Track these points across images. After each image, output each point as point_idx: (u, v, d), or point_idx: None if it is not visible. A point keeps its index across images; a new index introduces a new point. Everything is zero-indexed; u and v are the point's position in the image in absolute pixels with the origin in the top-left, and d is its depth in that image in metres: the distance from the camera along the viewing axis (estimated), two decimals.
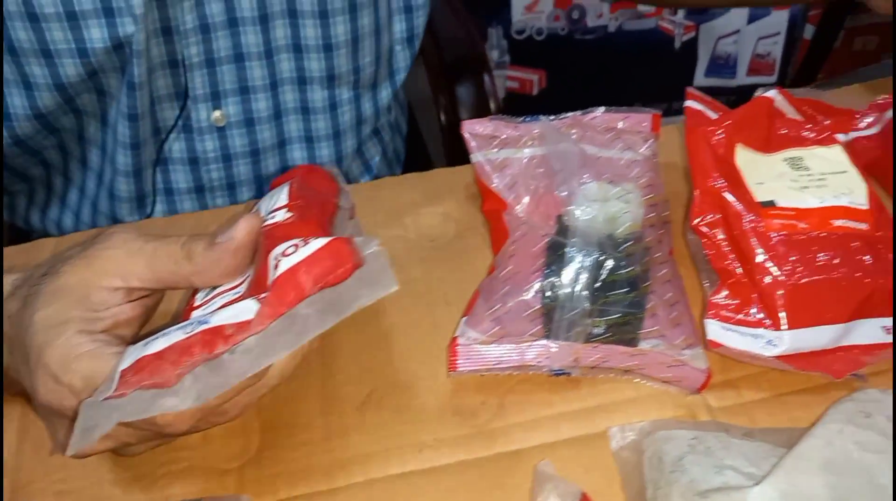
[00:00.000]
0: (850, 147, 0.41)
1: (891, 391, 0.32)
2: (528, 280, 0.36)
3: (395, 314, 0.41)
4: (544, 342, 0.35)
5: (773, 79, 1.41)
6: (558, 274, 0.36)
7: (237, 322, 0.29)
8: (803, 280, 0.35)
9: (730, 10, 1.33)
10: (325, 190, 0.38)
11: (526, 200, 0.40)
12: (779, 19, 1.35)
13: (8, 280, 0.34)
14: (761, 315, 0.35)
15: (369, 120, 0.62)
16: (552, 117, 0.43)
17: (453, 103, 0.85)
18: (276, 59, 0.54)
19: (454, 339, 0.36)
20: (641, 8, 1.34)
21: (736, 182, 0.38)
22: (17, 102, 0.51)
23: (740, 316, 0.35)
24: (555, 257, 0.36)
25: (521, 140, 0.42)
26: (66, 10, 0.46)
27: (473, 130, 0.42)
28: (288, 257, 0.30)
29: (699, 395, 0.36)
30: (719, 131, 0.39)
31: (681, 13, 1.34)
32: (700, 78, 1.40)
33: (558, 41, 1.36)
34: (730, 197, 0.37)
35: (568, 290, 0.35)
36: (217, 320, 0.30)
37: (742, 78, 1.40)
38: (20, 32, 0.47)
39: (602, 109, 0.43)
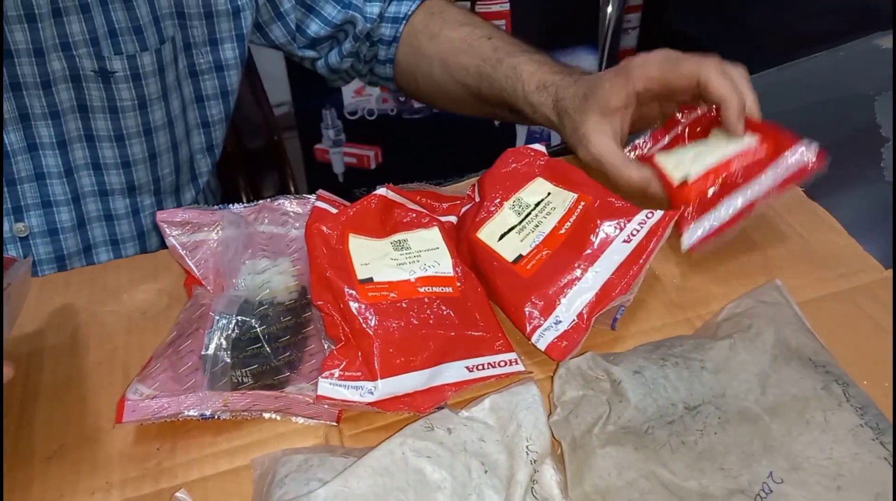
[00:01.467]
0: (448, 226, 0.52)
1: (453, 410, 0.42)
2: (187, 343, 0.44)
3: (94, 376, 0.48)
4: (197, 393, 0.43)
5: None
6: (210, 336, 0.44)
7: None
8: (392, 338, 0.44)
9: None
10: None
11: (210, 275, 0.49)
12: None
13: None
14: (361, 372, 0.43)
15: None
16: (242, 205, 0.52)
17: (255, 186, 0.94)
18: (76, 177, 0.61)
19: (123, 395, 0.43)
20: None
21: (344, 265, 0.47)
22: None
23: (347, 372, 0.43)
24: (209, 321, 0.44)
25: (214, 225, 0.50)
26: None
27: (167, 218, 0.50)
28: None
29: (336, 426, 0.45)
30: (334, 225, 0.48)
31: None
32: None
33: (389, 120, 1.49)
34: (335, 279, 0.45)
35: (213, 348, 0.43)
36: None
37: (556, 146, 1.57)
38: None
39: (283, 197, 0.52)
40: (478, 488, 0.38)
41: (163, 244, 0.71)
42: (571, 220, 0.49)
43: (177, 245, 0.49)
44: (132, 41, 0.59)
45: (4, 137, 0.57)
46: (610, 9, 1.53)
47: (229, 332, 0.44)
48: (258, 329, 0.44)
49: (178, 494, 0.40)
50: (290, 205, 0.52)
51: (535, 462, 0.39)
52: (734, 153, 0.51)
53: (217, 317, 0.44)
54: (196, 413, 0.43)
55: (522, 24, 1.43)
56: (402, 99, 1.49)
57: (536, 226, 0.50)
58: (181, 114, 0.65)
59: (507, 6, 1.42)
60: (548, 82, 0.59)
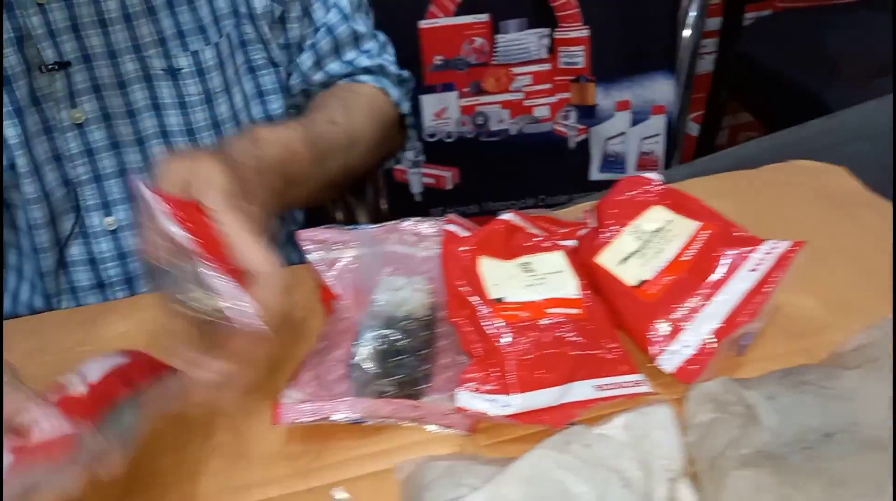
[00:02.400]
0: (572, 251, 0.54)
1: (586, 427, 0.44)
2: (335, 353, 0.47)
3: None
4: (346, 399, 0.46)
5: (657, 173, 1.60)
6: (356, 347, 0.47)
7: None
8: (526, 356, 0.46)
9: (615, 115, 1.53)
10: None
11: (348, 290, 0.52)
12: (658, 123, 1.55)
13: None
14: (497, 386, 0.46)
15: None
16: (374, 226, 0.55)
17: (348, 206, 0.99)
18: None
19: (277, 399, 0.47)
20: (537, 113, 1.53)
21: (477, 286, 0.50)
22: None
23: (484, 386, 0.46)
24: (357, 333, 0.48)
25: (348, 244, 0.54)
26: None
27: (309, 236, 0.54)
28: None
29: (471, 435, 0.47)
30: (467, 247, 0.52)
31: (572, 117, 1.53)
32: (595, 173, 1.58)
33: (467, 143, 1.54)
34: (471, 298, 0.49)
35: (362, 358, 0.47)
36: None
37: (631, 172, 1.58)
38: None
39: (412, 219, 0.55)
40: None
41: None
42: (694, 247, 0.51)
43: (317, 262, 0.53)
44: (196, 39, 0.64)
45: (90, 135, 0.63)
46: (687, 33, 1.54)
47: (375, 344, 0.47)
48: (401, 342, 0.47)
49: (335, 492, 0.43)
50: (418, 227, 0.55)
51: (671, 480, 0.41)
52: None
53: (363, 330, 0.47)
54: (344, 418, 0.46)
55: (601, 50, 1.46)
56: (479, 122, 1.53)
57: (658, 252, 0.52)
58: (244, 108, 0.69)
59: (585, 33, 1.45)
60: None
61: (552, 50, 1.46)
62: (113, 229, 0.67)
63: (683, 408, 0.45)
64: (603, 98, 1.50)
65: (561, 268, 0.52)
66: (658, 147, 1.57)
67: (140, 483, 0.46)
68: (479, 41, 1.45)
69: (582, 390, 0.47)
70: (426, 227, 0.55)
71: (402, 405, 0.46)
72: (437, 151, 1.54)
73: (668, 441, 0.42)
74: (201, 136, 0.66)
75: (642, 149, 1.57)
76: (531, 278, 0.51)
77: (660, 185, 0.57)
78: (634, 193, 0.57)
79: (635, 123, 1.54)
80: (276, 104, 0.72)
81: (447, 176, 1.57)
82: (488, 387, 0.46)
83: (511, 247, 0.54)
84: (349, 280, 0.52)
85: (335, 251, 0.53)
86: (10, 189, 0.62)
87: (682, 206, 0.55)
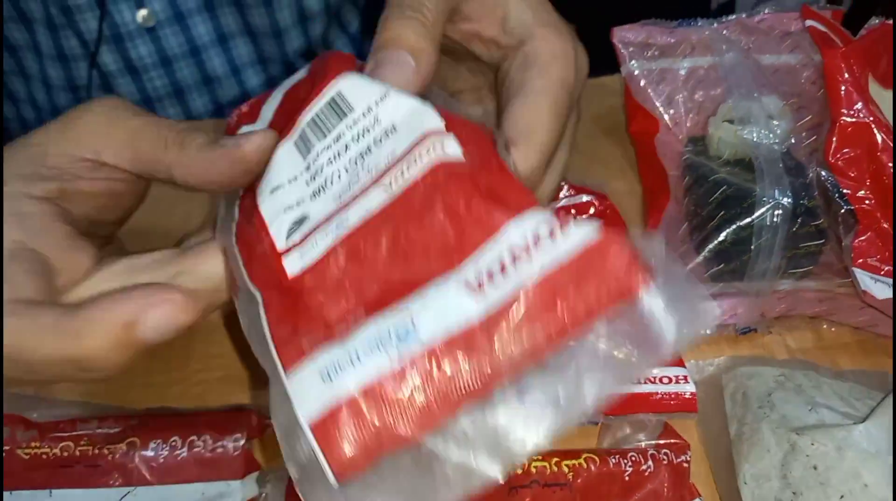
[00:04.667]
0: None
1: None
2: (708, 222, 0.32)
3: None
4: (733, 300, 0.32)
5: None
6: (744, 217, 0.31)
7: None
8: None
9: None
10: None
11: (684, 120, 0.37)
12: None
13: None
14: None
15: (317, 16, 0.54)
16: (711, 21, 0.38)
17: None
18: None
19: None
20: None
21: (876, 118, 0.33)
22: None
23: (886, 267, 0.31)
24: (736, 193, 0.32)
25: (678, 48, 0.37)
26: None
27: (625, 37, 0.37)
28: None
29: (777, 335, 0.34)
30: (852, 60, 0.34)
31: None
32: None
33: None
34: (878, 133, 0.33)
35: (762, 240, 0.31)
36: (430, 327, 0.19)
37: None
38: None
39: (767, 9, 0.37)
40: None
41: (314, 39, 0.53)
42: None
43: (638, 75, 0.37)
44: None
45: None
46: None
47: (781, 220, 0.31)
48: (817, 221, 0.32)
49: None
50: (785, 22, 0.37)
51: None
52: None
53: (760, 194, 0.31)
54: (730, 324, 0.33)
55: None
56: None
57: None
58: None
59: None
60: None
61: None
62: (150, 25, 0.50)
63: None
64: None
65: None
66: None
67: None
68: None
69: None
70: (796, 20, 0.37)
71: (801, 300, 0.32)
72: None
73: None
74: None
75: None
76: None
77: None
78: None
79: None
80: None
81: None
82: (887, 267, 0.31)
83: (889, 72, 0.36)
84: (689, 106, 0.36)
85: (664, 60, 0.37)
86: None
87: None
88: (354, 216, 0.22)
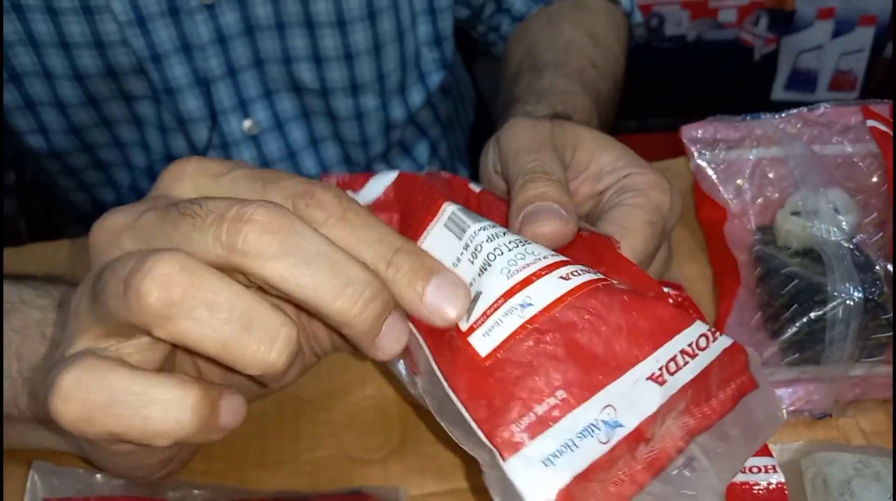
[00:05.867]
0: None
1: None
2: (781, 313, 0.34)
3: None
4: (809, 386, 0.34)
5: (854, 95, 1.38)
6: (817, 310, 0.33)
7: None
8: None
9: (814, 24, 1.31)
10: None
11: (751, 209, 0.39)
12: (864, 35, 1.32)
13: (55, 292, 0.30)
14: None
15: (400, 126, 0.59)
16: (773, 115, 0.41)
17: None
18: (294, 68, 0.52)
19: None
20: (722, 18, 1.32)
21: None
22: (51, 117, 0.51)
23: None
24: (808, 286, 0.34)
25: (744, 142, 0.40)
26: (82, 4, 0.46)
27: (692, 134, 0.40)
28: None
29: (851, 418, 0.35)
30: None
31: (762, 24, 1.32)
32: (779, 92, 1.38)
33: (635, 48, 1.35)
34: None
35: (834, 332, 0.33)
36: (630, 418, 0.22)
37: (822, 93, 1.36)
38: (40, 25, 0.46)
39: (828, 104, 0.40)
40: None
41: (388, 152, 0.59)
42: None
43: (707, 167, 0.39)
44: None
45: (221, 18, 0.49)
46: None
47: (854, 312, 0.33)
48: (889, 313, 0.33)
49: None
50: (844, 116, 0.40)
51: None
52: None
53: (832, 285, 0.33)
54: (805, 411, 0.35)
55: None
56: (653, 25, 1.34)
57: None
58: None
59: None
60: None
61: None
62: (254, 134, 0.55)
63: None
64: (804, 3, 1.28)
65: None
66: (860, 65, 1.34)
67: (422, 429, 0.36)
68: None
69: None
70: (855, 114, 0.39)
71: (873, 385, 0.34)
72: None
73: None
74: (353, 27, 0.51)
75: (839, 66, 1.35)
76: None
77: None
78: None
79: (837, 34, 1.31)
80: (446, 23, 0.57)
81: None
82: None
83: None
84: (756, 197, 0.39)
85: (731, 153, 0.39)
86: (129, 76, 0.49)
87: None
88: (539, 298, 0.23)
